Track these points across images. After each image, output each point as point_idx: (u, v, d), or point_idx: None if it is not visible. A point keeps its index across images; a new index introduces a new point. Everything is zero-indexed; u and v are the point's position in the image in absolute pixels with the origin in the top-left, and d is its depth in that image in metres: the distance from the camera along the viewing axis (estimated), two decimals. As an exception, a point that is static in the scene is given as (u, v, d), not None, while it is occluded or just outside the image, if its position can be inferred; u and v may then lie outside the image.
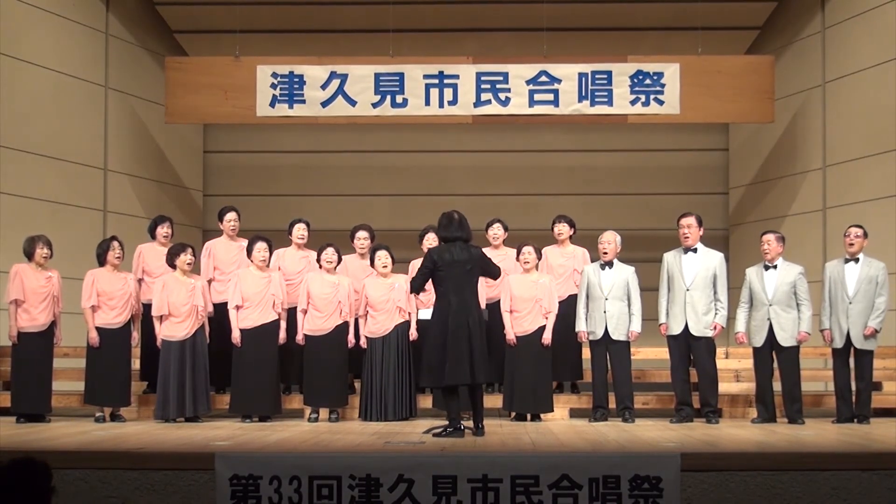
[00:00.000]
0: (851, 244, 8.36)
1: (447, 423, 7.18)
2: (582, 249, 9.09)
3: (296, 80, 11.42)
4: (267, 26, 12.52)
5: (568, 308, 8.67)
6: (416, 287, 7.46)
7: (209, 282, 8.91)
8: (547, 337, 8.42)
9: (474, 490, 5.35)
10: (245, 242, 8.96)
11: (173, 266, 8.56)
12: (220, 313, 8.73)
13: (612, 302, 8.39)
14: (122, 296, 8.52)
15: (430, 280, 7.30)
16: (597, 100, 11.34)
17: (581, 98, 11.34)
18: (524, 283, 8.46)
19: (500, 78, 11.38)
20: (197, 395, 8.40)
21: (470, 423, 7.25)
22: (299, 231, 9.07)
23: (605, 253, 8.52)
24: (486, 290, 8.50)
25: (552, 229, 9.14)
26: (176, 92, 11.50)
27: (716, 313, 8.31)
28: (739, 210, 13.06)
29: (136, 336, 8.68)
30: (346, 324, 8.61)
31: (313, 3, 12.37)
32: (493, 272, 7.59)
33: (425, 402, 8.80)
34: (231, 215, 9.15)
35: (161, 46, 12.58)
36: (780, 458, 5.74)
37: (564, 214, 9.21)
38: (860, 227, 8.44)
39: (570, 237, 9.13)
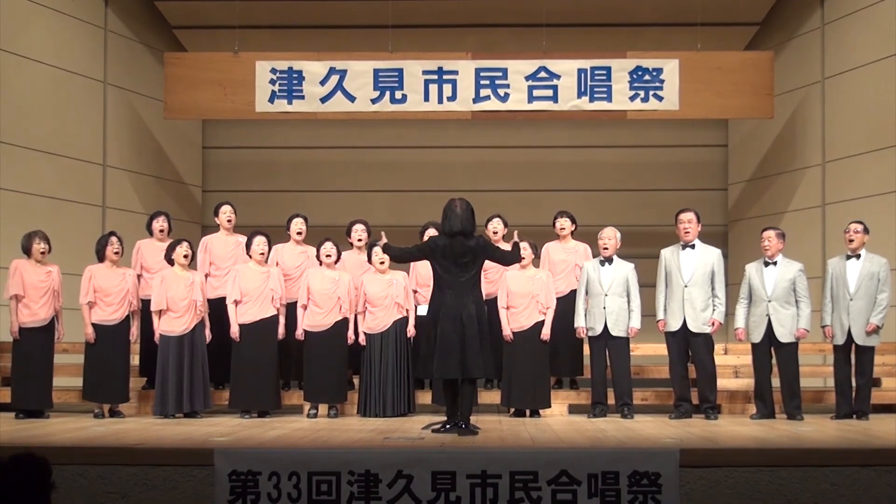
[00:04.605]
0: (851, 240, 8.36)
1: (446, 418, 7.17)
2: (584, 245, 9.09)
3: (295, 75, 11.42)
4: (266, 22, 12.52)
5: (569, 303, 8.67)
6: (394, 253, 7.53)
7: (205, 276, 8.89)
8: (546, 332, 8.43)
9: (473, 486, 5.35)
10: (242, 238, 8.98)
11: (171, 262, 8.56)
12: (215, 308, 8.72)
13: (611, 298, 8.39)
14: (120, 292, 8.50)
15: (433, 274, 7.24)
16: (596, 96, 11.34)
17: (580, 94, 11.34)
18: (521, 279, 8.47)
19: (500, 74, 11.38)
20: (195, 390, 8.39)
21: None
22: (297, 226, 9.06)
23: (605, 249, 8.52)
24: (484, 286, 8.44)
25: (554, 224, 9.13)
26: (175, 88, 11.49)
27: (714, 309, 8.30)
28: (738, 206, 13.07)
29: (134, 332, 8.67)
30: (345, 320, 8.60)
31: (312, -2, 12.38)
32: (503, 256, 7.43)
33: (424, 397, 8.80)
34: (226, 208, 9.16)
35: (160, 42, 12.58)
36: (778, 455, 5.75)
37: (566, 210, 9.21)
38: (860, 222, 8.43)
39: (572, 233, 9.13)
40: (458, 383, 7.09)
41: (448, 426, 7.01)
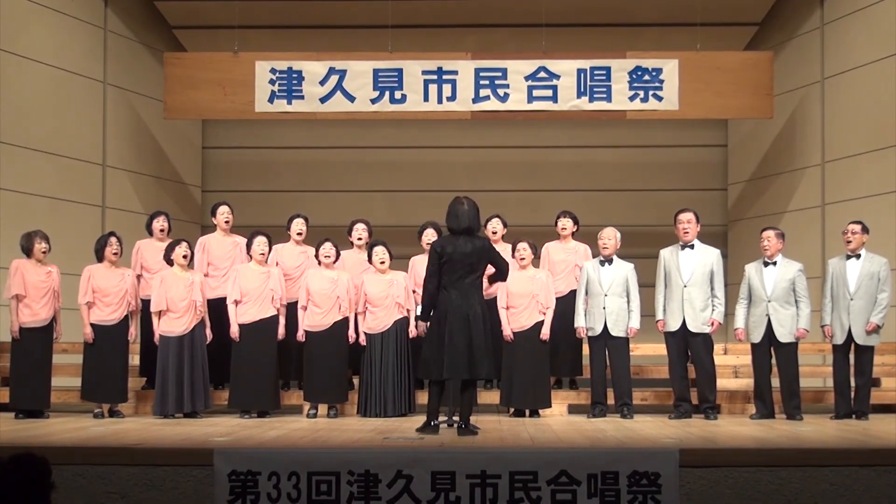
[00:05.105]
0: (849, 241, 8.36)
1: (426, 417, 7.15)
2: (584, 245, 9.09)
3: (294, 75, 11.42)
4: (266, 22, 12.52)
5: (568, 304, 8.67)
6: (432, 289, 7.11)
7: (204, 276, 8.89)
8: (545, 332, 8.43)
9: (473, 486, 5.35)
10: (239, 238, 9.00)
11: (170, 262, 8.56)
12: (214, 309, 8.71)
13: (611, 298, 8.39)
14: (118, 292, 8.50)
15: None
16: (595, 96, 11.34)
17: (580, 94, 11.34)
18: (520, 279, 8.47)
19: (499, 74, 11.38)
20: (195, 390, 8.39)
21: (456, 418, 7.22)
22: (297, 226, 9.07)
23: (605, 249, 8.52)
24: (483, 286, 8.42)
25: (556, 224, 9.14)
26: (174, 88, 11.49)
27: (713, 309, 8.30)
28: (738, 206, 13.07)
29: (133, 332, 8.67)
30: (345, 319, 8.60)
31: (312, -2, 12.38)
32: (502, 267, 7.28)
33: (424, 398, 8.76)
34: (223, 209, 9.16)
35: (159, 42, 12.58)
36: (778, 455, 5.75)
37: (569, 210, 9.22)
38: (859, 222, 8.43)
39: (573, 233, 9.14)
40: (448, 383, 7.09)
41: (432, 424, 6.96)
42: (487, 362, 7.03)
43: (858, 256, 8.34)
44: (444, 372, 6.99)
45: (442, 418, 7.41)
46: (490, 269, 7.34)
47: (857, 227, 8.38)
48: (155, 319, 8.48)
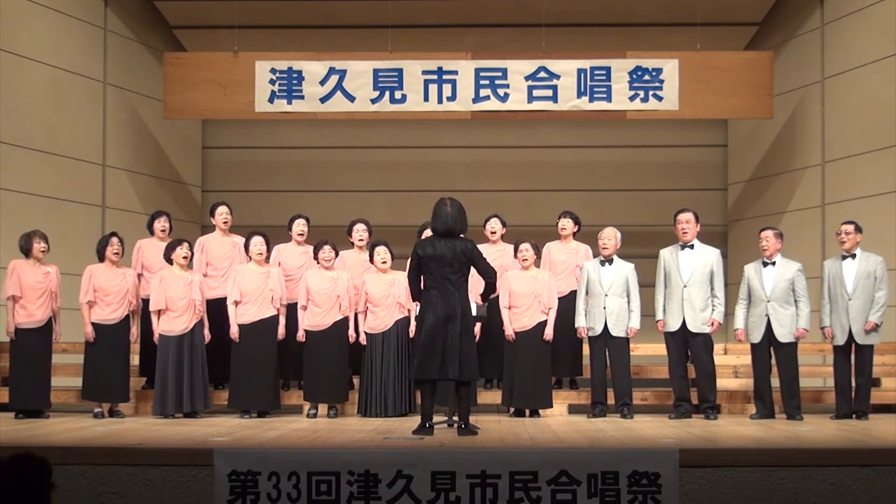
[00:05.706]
0: (843, 241, 8.36)
1: (445, 418, 7.15)
2: (585, 246, 9.09)
3: (294, 75, 11.42)
4: (266, 22, 12.52)
5: (568, 304, 8.67)
6: (414, 292, 7.16)
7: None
8: (549, 332, 8.42)
9: (473, 486, 5.35)
10: (238, 238, 9.00)
11: (170, 261, 8.57)
12: (213, 309, 8.71)
13: (611, 298, 8.39)
14: (119, 291, 8.51)
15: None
16: (595, 96, 11.34)
17: (580, 94, 11.34)
18: (523, 279, 8.47)
19: (499, 74, 11.38)
20: (195, 390, 8.39)
21: (455, 418, 7.22)
22: (299, 226, 9.08)
23: (605, 248, 8.52)
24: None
25: (557, 224, 9.14)
26: (174, 87, 11.49)
27: (713, 310, 8.30)
28: (738, 206, 13.07)
29: (134, 332, 8.67)
30: (345, 319, 8.60)
31: (312, -2, 12.38)
32: (485, 270, 7.05)
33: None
34: (222, 209, 9.16)
35: (159, 42, 12.58)
36: (778, 454, 5.75)
37: (570, 211, 9.21)
38: (852, 223, 8.43)
39: (574, 234, 9.13)
40: (444, 384, 7.08)
41: (427, 426, 6.92)
42: (458, 364, 6.86)
43: (854, 256, 8.34)
44: (416, 371, 6.96)
45: (441, 419, 7.42)
46: (481, 287, 7.23)
47: (850, 228, 8.38)
48: (154, 319, 8.48)
